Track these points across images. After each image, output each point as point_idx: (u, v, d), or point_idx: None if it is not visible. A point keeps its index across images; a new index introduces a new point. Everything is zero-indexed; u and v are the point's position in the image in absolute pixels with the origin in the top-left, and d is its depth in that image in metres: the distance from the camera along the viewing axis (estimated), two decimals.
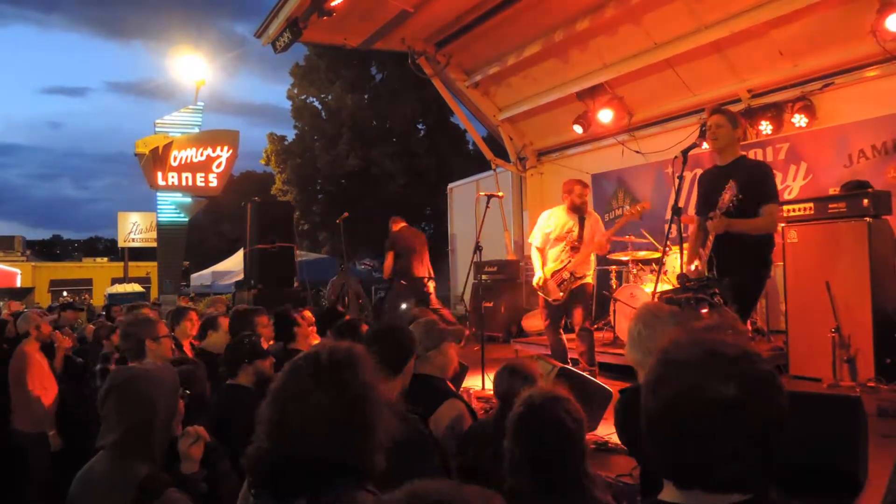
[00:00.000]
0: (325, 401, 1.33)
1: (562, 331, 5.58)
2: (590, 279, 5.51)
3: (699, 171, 7.30)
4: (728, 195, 3.61)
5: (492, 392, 2.83)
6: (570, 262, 5.32)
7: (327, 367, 1.38)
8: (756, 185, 3.77)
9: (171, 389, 1.95)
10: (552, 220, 5.47)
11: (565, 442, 1.69)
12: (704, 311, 3.26)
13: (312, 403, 1.33)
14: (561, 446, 1.68)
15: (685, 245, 4.14)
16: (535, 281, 5.54)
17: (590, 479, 1.71)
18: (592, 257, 5.59)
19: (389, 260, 7.84)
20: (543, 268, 5.42)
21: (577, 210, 5.41)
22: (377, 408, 1.39)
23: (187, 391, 2.08)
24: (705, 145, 4.29)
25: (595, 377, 5.26)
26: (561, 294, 5.34)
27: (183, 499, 1.81)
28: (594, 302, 7.92)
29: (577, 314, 5.35)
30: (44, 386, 4.36)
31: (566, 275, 5.30)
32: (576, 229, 5.37)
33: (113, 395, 1.88)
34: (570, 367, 4.29)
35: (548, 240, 5.46)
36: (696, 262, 4.04)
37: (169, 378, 1.97)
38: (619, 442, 3.47)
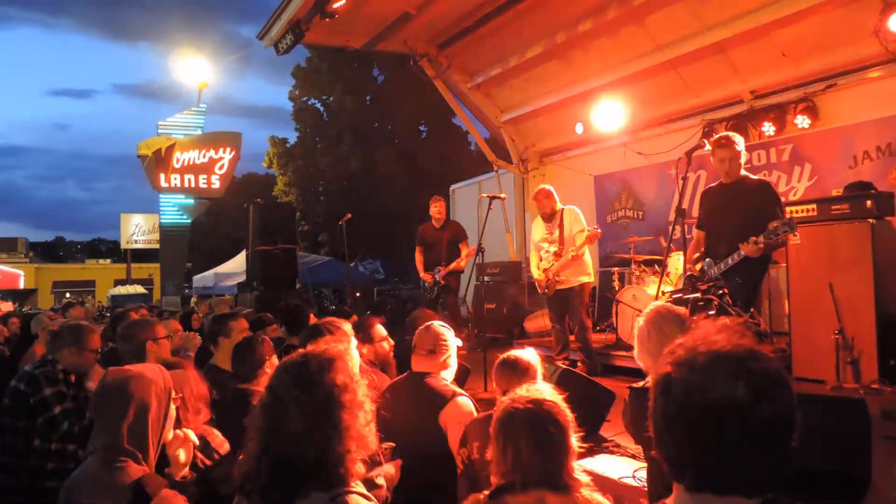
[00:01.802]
0: (301, 405, 1.40)
1: (567, 327, 5.92)
2: (583, 280, 5.73)
3: (703, 173, 7.35)
4: (777, 224, 3.73)
5: (493, 394, 2.82)
6: (552, 265, 5.71)
7: (303, 372, 1.45)
8: (764, 206, 3.99)
9: (162, 391, 1.94)
10: (536, 230, 5.98)
11: (538, 446, 1.69)
12: (711, 312, 3.27)
13: (290, 408, 1.40)
14: (539, 449, 1.69)
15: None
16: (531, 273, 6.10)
17: (570, 485, 1.72)
18: (588, 256, 5.77)
19: (473, 250, 6.46)
20: (539, 264, 5.89)
21: (547, 217, 5.83)
22: (352, 410, 1.43)
23: (179, 394, 2.08)
24: (708, 147, 4.30)
25: (595, 373, 5.34)
26: (547, 290, 5.79)
27: (177, 499, 1.81)
28: (596, 303, 7.95)
29: (573, 314, 5.75)
30: None
31: (550, 275, 5.72)
32: (556, 231, 5.76)
33: (105, 397, 1.87)
34: (572, 368, 4.29)
35: (538, 246, 5.93)
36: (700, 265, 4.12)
37: (160, 379, 1.96)
38: (620, 444, 3.48)
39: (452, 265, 7.05)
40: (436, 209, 7.34)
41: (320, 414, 1.39)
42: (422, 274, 7.28)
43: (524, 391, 1.85)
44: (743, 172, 4.24)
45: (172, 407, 2.01)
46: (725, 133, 4.51)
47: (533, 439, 1.69)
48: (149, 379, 1.92)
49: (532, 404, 1.77)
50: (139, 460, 1.83)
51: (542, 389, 1.84)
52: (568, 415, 1.77)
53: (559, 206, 5.80)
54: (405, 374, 2.97)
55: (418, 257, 7.37)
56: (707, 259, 4.14)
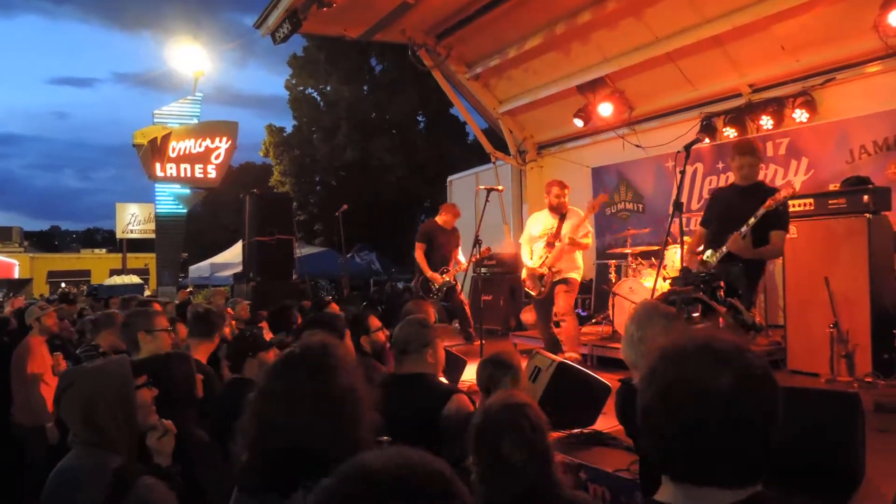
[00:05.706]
0: (301, 395, 1.40)
1: (553, 325, 5.82)
2: (575, 275, 5.72)
3: (699, 166, 7.36)
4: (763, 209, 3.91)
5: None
6: (546, 257, 5.63)
7: (303, 363, 1.46)
8: (772, 212, 3.99)
9: (121, 382, 1.96)
10: (538, 223, 5.83)
11: (525, 450, 1.69)
12: (696, 314, 3.27)
13: (289, 398, 1.41)
14: (521, 455, 1.68)
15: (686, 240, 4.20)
16: (522, 274, 5.96)
17: (556, 483, 1.73)
18: (579, 255, 5.80)
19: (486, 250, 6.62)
20: (529, 261, 5.78)
21: (556, 209, 5.73)
22: (354, 401, 1.44)
23: (151, 381, 2.10)
24: (707, 140, 4.33)
25: (581, 364, 5.38)
26: (543, 288, 5.64)
27: (158, 485, 1.82)
28: (592, 295, 7.97)
29: (559, 303, 5.63)
30: (45, 380, 4.34)
31: (544, 270, 5.63)
32: (556, 226, 5.68)
33: (64, 396, 1.91)
34: (567, 361, 4.30)
35: (534, 240, 5.81)
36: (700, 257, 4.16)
37: (119, 371, 1.98)
38: (616, 436, 3.50)
39: (465, 265, 6.80)
40: (452, 215, 7.06)
41: (321, 404, 1.40)
42: (429, 273, 6.77)
43: (498, 396, 1.87)
44: (760, 178, 4.35)
45: (144, 396, 2.05)
46: (748, 139, 4.66)
47: (514, 442, 1.69)
48: (102, 372, 1.94)
49: (509, 408, 1.77)
50: (115, 450, 1.86)
51: (515, 394, 1.88)
52: (543, 417, 1.79)
53: (568, 204, 5.80)
54: (389, 376, 2.93)
55: (421, 255, 6.86)
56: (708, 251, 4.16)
